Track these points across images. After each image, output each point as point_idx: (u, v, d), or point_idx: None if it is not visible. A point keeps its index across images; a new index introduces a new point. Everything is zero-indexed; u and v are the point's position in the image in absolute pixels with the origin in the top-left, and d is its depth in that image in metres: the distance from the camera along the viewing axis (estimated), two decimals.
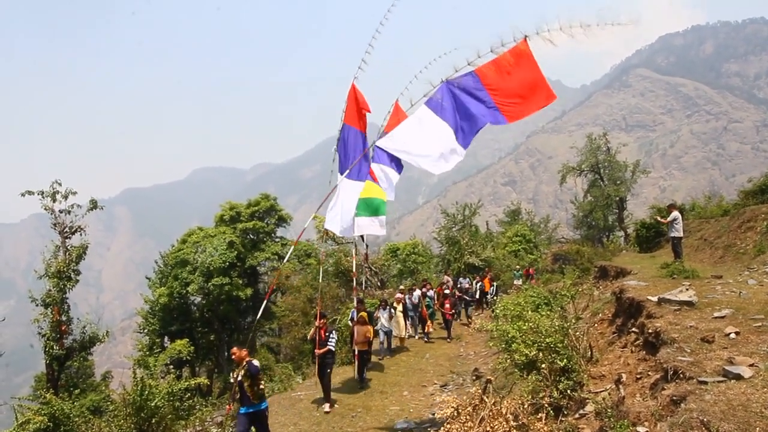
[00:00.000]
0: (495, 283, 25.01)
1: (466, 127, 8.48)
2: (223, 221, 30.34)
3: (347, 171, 10.58)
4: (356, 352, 12.76)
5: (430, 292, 20.55)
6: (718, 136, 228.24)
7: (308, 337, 12.28)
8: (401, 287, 21.18)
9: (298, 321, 22.63)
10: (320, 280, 15.94)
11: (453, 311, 19.54)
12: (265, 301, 12.25)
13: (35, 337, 17.67)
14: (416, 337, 18.63)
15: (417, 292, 18.90)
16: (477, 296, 23.38)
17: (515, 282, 25.21)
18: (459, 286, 22.72)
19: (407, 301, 17.96)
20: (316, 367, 11.34)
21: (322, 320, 11.09)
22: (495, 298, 23.42)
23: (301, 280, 26.70)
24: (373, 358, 14.41)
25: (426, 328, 18.63)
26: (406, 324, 17.08)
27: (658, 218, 16.76)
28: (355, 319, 13.06)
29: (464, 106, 8.32)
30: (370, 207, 10.92)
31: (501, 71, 8.03)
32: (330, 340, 10.90)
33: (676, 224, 14.11)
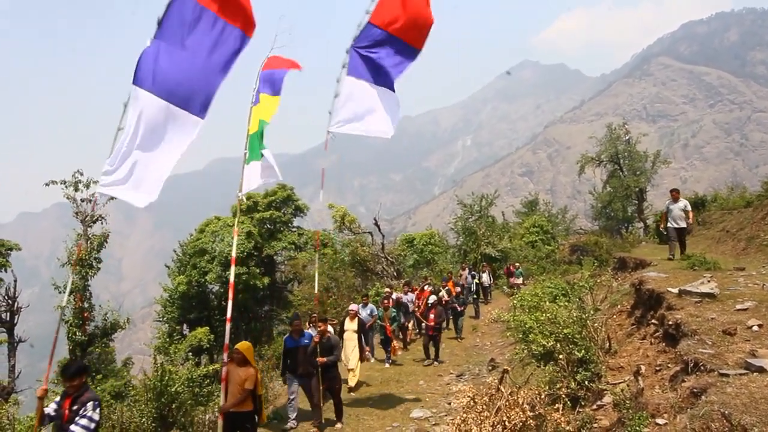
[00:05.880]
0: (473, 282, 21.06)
1: (386, 83, 8.65)
2: (241, 211, 30.60)
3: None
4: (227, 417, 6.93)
5: (409, 296, 16.38)
6: (742, 126, 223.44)
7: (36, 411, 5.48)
8: (382, 292, 16.88)
9: (314, 311, 22.79)
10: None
11: (437, 324, 13.97)
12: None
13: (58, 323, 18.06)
14: (387, 364, 14.01)
15: (370, 307, 14.09)
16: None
17: (516, 280, 24.77)
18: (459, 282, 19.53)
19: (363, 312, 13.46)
20: None
21: (73, 380, 5.23)
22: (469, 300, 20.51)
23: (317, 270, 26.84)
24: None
25: (392, 350, 14.03)
26: (362, 349, 12.18)
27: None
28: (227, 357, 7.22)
29: (376, 65, 8.52)
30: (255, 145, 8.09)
31: (387, 4, 8.37)
32: (80, 419, 5.12)
33: (671, 214, 13.11)
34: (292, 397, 9.39)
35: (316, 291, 10.10)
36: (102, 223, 19.21)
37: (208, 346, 25.26)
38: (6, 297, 19.52)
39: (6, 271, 20.17)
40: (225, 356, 7.24)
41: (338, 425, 9.20)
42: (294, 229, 31.88)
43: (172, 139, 6.30)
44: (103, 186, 6.05)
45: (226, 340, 7.31)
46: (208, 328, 25.81)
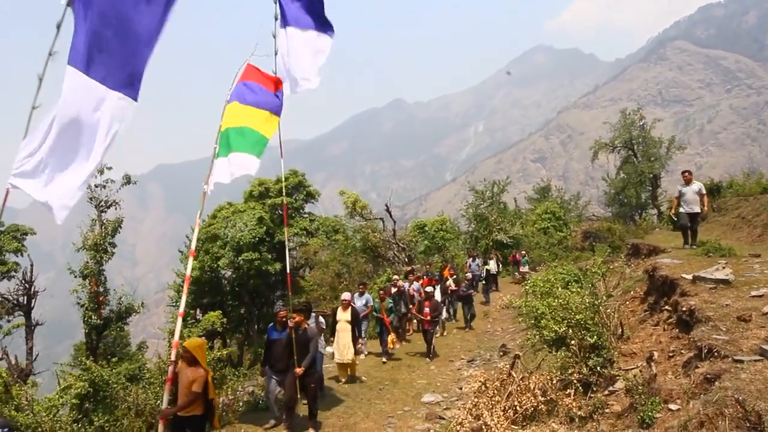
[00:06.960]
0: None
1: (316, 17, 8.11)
2: (252, 197, 30.71)
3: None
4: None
5: (415, 285, 15.50)
6: (759, 111, 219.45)
7: None
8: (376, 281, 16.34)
9: (326, 296, 22.93)
10: None
11: (435, 317, 13.25)
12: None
13: (74, 307, 18.36)
14: (385, 358, 12.89)
15: (366, 297, 13.31)
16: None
17: (522, 268, 24.82)
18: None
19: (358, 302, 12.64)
20: None
21: None
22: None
23: (329, 255, 26.98)
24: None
25: (389, 342, 13.19)
26: (356, 341, 11.21)
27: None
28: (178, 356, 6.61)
29: (299, 9, 7.98)
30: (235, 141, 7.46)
31: None
32: None
33: (683, 198, 12.11)
34: (270, 396, 8.43)
35: (287, 270, 9.35)
36: (116, 209, 19.40)
37: (221, 329, 25.59)
38: (23, 281, 19.84)
39: (22, 255, 20.48)
40: (173, 354, 6.54)
41: (310, 431, 8.06)
42: (305, 215, 31.98)
43: (99, 128, 4.93)
44: (15, 177, 4.54)
45: (176, 338, 6.58)
46: (220, 312, 26.13)
